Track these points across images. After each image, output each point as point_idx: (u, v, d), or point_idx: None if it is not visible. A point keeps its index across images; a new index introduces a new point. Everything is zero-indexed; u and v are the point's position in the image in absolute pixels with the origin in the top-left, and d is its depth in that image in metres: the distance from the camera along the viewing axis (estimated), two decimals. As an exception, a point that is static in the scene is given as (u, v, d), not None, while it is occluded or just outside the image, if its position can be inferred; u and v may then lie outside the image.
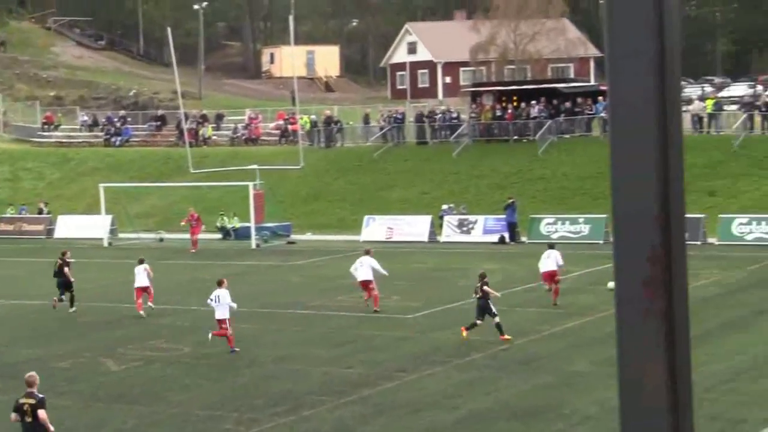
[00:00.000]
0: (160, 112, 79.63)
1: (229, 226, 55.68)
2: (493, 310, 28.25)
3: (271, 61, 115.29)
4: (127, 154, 70.57)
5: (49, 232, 59.15)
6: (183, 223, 52.60)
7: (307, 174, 60.80)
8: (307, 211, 59.16)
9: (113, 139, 74.33)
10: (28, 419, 17.90)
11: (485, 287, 28.51)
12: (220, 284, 28.75)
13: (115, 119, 76.73)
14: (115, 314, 34.40)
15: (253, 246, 52.05)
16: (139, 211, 60.45)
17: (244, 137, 70.74)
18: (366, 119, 67.21)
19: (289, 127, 68.36)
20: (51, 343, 29.94)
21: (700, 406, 19.95)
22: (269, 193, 56.79)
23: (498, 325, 28.06)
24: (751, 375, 23.87)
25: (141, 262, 34.91)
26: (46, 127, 79.29)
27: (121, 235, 57.95)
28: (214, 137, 72.05)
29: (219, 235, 55.32)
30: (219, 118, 75.02)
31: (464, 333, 28.42)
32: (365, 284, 32.94)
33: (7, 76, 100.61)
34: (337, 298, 35.90)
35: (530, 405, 22.09)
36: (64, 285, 34.81)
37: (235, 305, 28.59)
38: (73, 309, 34.39)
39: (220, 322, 28.14)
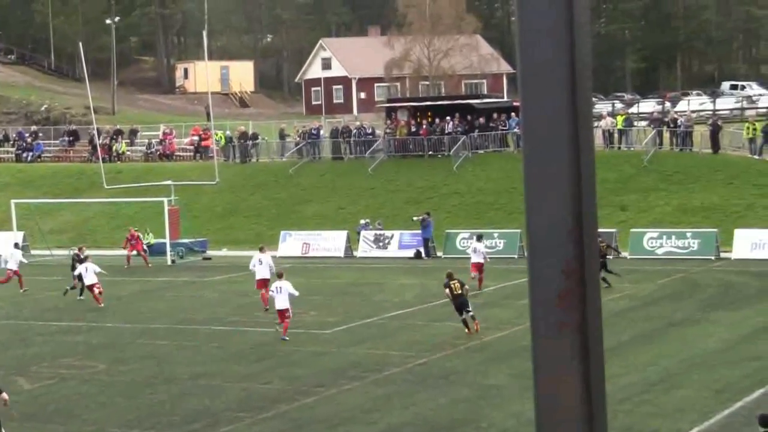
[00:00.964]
0: (72, 127, 78.71)
1: (145, 241, 55.08)
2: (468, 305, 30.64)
3: (185, 76, 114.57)
4: (39, 170, 69.61)
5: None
6: (124, 246, 51.40)
7: (222, 189, 60.45)
8: (223, 227, 58.80)
9: (24, 155, 73.25)
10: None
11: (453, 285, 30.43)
12: (280, 276, 31.90)
13: (26, 135, 75.64)
14: (27, 332, 33.88)
15: (169, 262, 51.62)
16: (53, 227, 59.58)
17: (158, 153, 70.16)
18: (281, 134, 67.09)
19: (203, 142, 67.96)
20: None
21: (614, 417, 20.20)
22: (184, 209, 56.37)
23: (467, 320, 30.48)
24: (664, 387, 24.22)
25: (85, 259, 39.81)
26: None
27: (33, 252, 57.00)
28: (128, 153, 71.35)
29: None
30: (133, 133, 74.35)
31: (476, 328, 30.55)
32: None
33: None
34: (255, 313, 35.73)
35: (448, 419, 22.18)
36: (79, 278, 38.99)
37: (297, 293, 31.12)
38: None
39: (282, 312, 30.70)
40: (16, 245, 47.27)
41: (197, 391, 25.28)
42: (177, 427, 22.05)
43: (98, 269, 38.80)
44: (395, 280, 43.19)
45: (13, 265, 43.87)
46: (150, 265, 49.87)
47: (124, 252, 51.03)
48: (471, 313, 30.65)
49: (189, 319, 35.40)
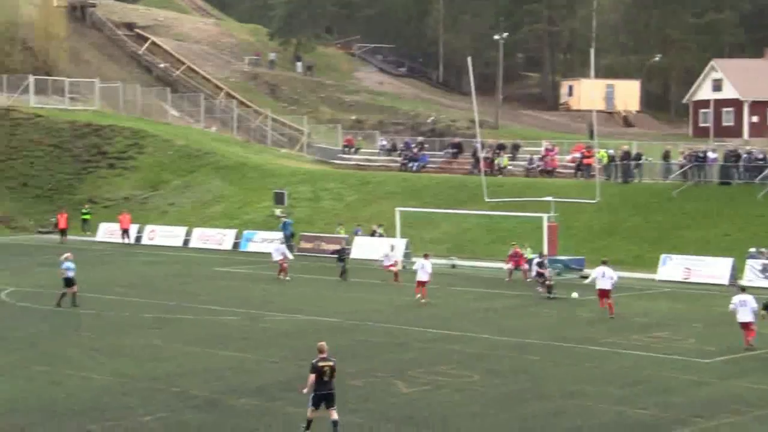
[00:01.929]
0: (457, 139, 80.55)
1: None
2: None
3: (570, 94, 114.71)
4: (422, 180, 71.69)
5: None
6: (507, 261, 52.12)
7: (601, 208, 59.86)
8: (600, 246, 58.13)
9: (410, 165, 75.71)
10: (325, 378, 22.03)
11: None
12: (604, 263, 38.09)
13: (413, 145, 78.15)
14: (406, 337, 34.85)
15: (544, 278, 51.65)
16: (432, 236, 61.16)
17: (539, 168, 70.51)
18: (666, 156, 65.58)
19: (585, 160, 67.60)
20: (343, 360, 30.54)
21: None
22: (563, 226, 56.23)
23: None
24: None
25: (425, 257, 42.61)
26: (346, 149, 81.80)
27: (414, 259, 58.70)
28: (510, 167, 72.16)
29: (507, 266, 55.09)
30: (515, 148, 75.10)
31: None
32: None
33: (313, 99, 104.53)
34: (632, 336, 35.11)
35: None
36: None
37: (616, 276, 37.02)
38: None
39: (603, 293, 36.95)
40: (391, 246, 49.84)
41: (570, 409, 25.05)
42: (549, 445, 21.89)
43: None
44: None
45: (279, 256, 49.75)
46: (529, 279, 50.21)
47: (503, 265, 51.60)
48: None
49: (563, 336, 35.21)
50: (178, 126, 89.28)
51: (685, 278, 50.31)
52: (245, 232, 66.14)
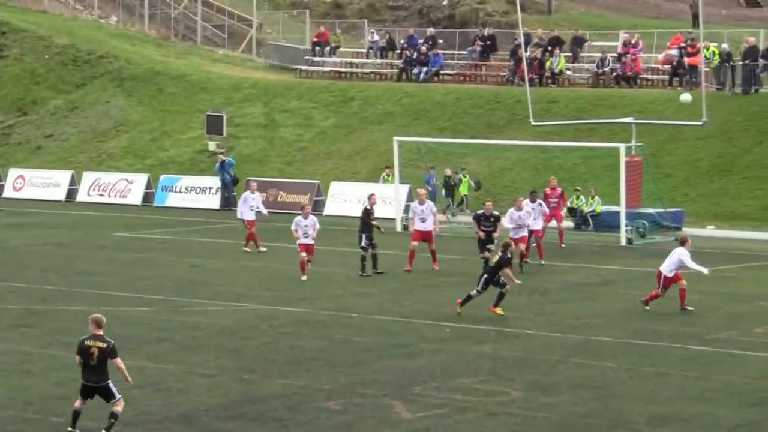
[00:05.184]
0: (487, 31, 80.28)
1: (586, 209, 55.53)
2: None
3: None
4: (434, 94, 71.60)
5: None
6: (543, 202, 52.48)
7: (711, 134, 59.95)
8: (709, 192, 58.32)
9: (416, 71, 75.55)
10: (92, 362, 23.24)
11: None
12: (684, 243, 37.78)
13: (420, 41, 77.94)
14: (408, 334, 34.90)
15: (623, 242, 51.77)
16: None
17: (614, 74, 70.43)
18: (810, 51, 65.49)
19: (687, 59, 67.53)
20: (316, 371, 30.61)
21: None
22: (650, 163, 56.23)
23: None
24: None
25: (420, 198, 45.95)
26: (318, 49, 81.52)
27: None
28: (569, 72, 72.04)
29: (570, 223, 55.17)
30: (577, 43, 74.95)
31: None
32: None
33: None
34: (754, 330, 35.33)
35: None
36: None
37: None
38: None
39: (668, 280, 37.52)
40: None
41: (659, 442, 25.21)
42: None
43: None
44: None
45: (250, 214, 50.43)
46: (564, 245, 50.35)
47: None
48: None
49: (651, 331, 35.28)
50: (58, 15, 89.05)
51: (839, 239, 50.59)
52: (162, 178, 66.22)
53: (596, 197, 55.32)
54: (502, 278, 37.00)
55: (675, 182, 58.66)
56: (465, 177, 58.29)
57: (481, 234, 44.41)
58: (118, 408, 23.36)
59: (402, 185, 57.57)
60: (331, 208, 61.13)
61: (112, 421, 23.28)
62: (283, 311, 38.04)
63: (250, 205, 50.56)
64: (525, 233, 45.32)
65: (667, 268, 37.67)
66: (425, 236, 45.61)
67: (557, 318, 37.25)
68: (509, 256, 37.35)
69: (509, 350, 33.06)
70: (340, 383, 29.41)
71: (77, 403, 23.62)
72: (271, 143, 70.14)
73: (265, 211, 51.47)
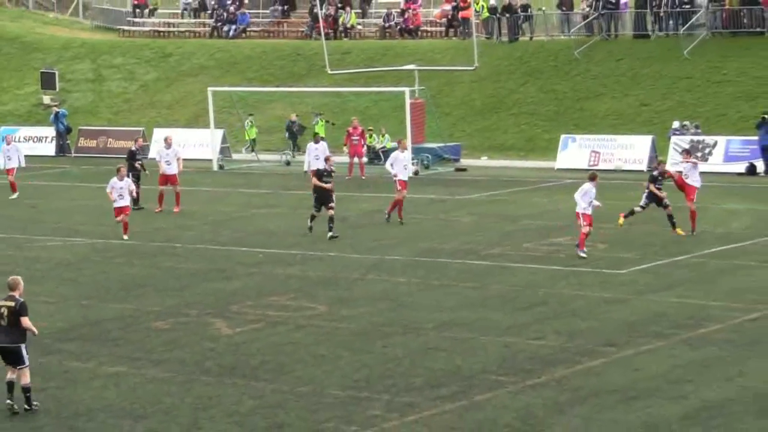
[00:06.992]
0: (287, -9, 79.97)
1: (378, 146, 55.83)
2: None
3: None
4: (243, 49, 71.26)
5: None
6: (345, 142, 52.67)
7: (483, 77, 60.41)
8: (482, 128, 58.86)
9: (225, 28, 75.11)
10: (2, 323, 21.49)
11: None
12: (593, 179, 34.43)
13: (229, 1, 77.45)
14: (227, 261, 34.96)
15: (410, 173, 52.19)
16: (260, 123, 61.04)
17: (399, 27, 70.63)
18: (565, 3, 65.99)
19: (460, 13, 67.94)
20: (145, 296, 30.60)
21: None
22: (431, 103, 56.65)
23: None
24: None
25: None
26: (138, 11, 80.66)
27: (235, 156, 58.77)
28: (359, 26, 72.11)
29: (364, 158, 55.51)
30: (366, 0, 75.04)
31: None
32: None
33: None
34: (523, 245, 35.83)
35: (787, 396, 21.71)
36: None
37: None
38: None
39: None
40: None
41: (445, 345, 25.47)
42: (418, 392, 22.28)
43: None
44: (718, 203, 42.33)
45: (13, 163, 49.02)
46: (364, 177, 50.72)
47: (344, 158, 51.84)
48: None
49: (435, 249, 35.70)
50: None
51: (593, 164, 51.27)
52: (2, 129, 65.10)
53: (386, 135, 55.59)
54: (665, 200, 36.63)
55: (453, 120, 59.15)
56: (321, 121, 57.21)
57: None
58: (26, 380, 21.59)
59: (216, 130, 57.41)
60: (154, 152, 60.60)
61: (28, 394, 21.66)
62: (116, 244, 37.86)
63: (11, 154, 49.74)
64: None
65: (582, 206, 33.87)
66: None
67: (356, 242, 37.53)
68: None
69: (314, 271, 33.31)
70: (167, 305, 29.47)
71: (9, 374, 21.81)
72: (99, 96, 69.48)
73: (23, 161, 50.44)
